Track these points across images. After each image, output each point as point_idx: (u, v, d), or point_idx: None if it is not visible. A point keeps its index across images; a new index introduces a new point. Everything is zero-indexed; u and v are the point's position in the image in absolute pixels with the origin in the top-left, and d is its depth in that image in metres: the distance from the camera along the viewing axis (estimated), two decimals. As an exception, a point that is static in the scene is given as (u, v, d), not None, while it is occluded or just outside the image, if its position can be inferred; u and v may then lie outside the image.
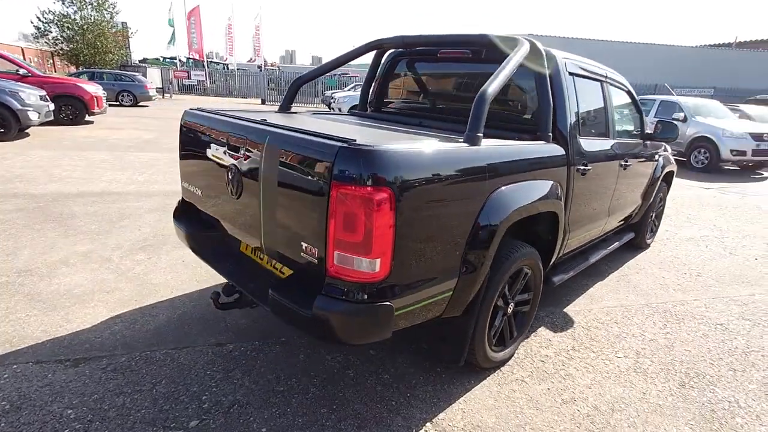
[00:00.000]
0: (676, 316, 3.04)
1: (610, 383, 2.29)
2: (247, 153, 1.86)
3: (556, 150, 2.37)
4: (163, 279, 3.14)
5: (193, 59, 31.37)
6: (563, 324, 2.86)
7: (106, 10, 26.32)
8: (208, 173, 2.20)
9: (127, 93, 17.32)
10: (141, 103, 17.64)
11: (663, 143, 3.96)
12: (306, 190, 1.61)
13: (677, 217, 5.59)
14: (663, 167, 4.03)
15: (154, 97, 18.43)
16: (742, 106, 11.26)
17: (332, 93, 20.53)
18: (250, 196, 1.88)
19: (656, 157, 3.87)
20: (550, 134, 2.37)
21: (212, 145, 2.11)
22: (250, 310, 2.77)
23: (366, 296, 1.56)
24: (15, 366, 2.15)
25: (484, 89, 1.92)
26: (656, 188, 4.00)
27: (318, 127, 1.88)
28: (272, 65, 45.80)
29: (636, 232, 4.02)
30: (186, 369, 2.21)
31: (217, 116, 2.16)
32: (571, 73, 2.56)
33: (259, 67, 32.53)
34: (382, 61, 3.18)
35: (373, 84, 3.27)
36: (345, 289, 1.57)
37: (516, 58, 2.15)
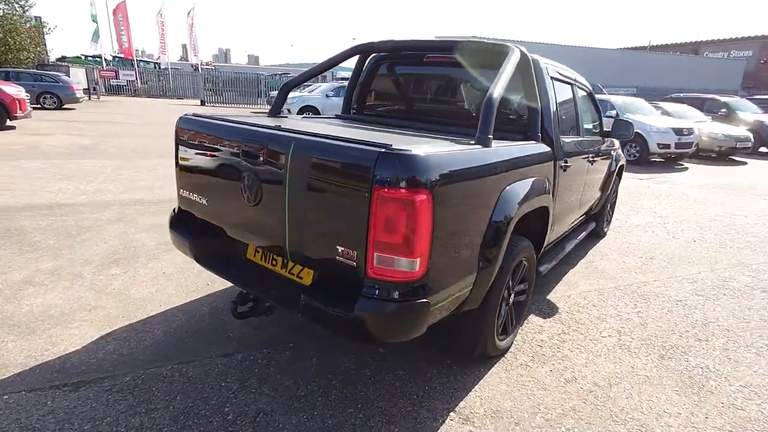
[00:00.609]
0: (642, 296, 3.37)
1: (602, 361, 2.51)
2: (268, 159, 1.84)
3: (545, 149, 2.55)
4: (147, 293, 2.98)
5: (120, 58, 29.32)
6: (549, 310, 3.08)
7: (17, 3, 23.85)
8: (214, 181, 2.14)
9: (50, 95, 15.88)
10: (66, 106, 16.24)
11: (615, 140, 4.35)
12: (342, 194, 1.63)
13: (623, 207, 6.12)
14: (617, 161, 4.42)
15: (81, 99, 17.03)
16: (662, 104, 12.47)
17: (279, 93, 20.13)
18: (272, 203, 1.86)
19: (612, 152, 4.24)
20: (540, 134, 2.55)
21: (220, 152, 2.06)
22: (250, 319, 2.72)
23: (406, 295, 1.62)
24: (6, 396, 1.97)
25: (491, 94, 2.04)
26: (612, 181, 4.38)
27: (335, 132, 1.90)
28: (208, 64, 43.87)
29: (596, 222, 4.38)
30: (198, 383, 2.14)
31: (224, 123, 2.10)
32: (551, 77, 2.76)
33: (194, 66, 31.07)
34: (366, 65, 3.22)
35: (357, 87, 3.31)
36: (385, 289, 1.62)
37: (512, 63, 2.30)
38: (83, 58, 32.81)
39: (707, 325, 2.99)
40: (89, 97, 21.34)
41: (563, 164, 2.77)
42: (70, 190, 5.39)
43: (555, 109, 2.70)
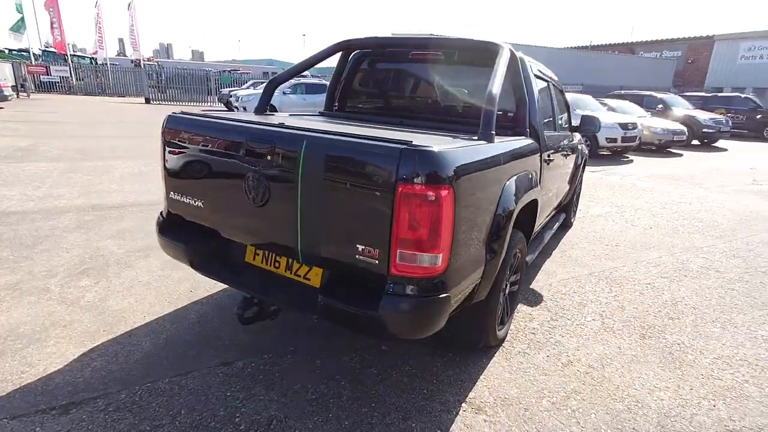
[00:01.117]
0: (615, 281, 3.59)
1: (591, 343, 2.65)
2: (276, 158, 1.78)
3: (533, 143, 2.64)
4: (127, 304, 2.80)
5: (51, 52, 27.14)
6: (535, 299, 3.20)
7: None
8: (213, 182, 2.05)
9: (-27, 92, 14.44)
10: (-7, 105, 14.83)
11: (579, 134, 4.58)
12: (362, 192, 1.61)
13: (582, 198, 6.46)
14: (582, 155, 4.66)
15: (9, 97, 15.61)
16: (607, 100, 13.25)
17: (232, 91, 19.40)
18: (281, 203, 1.81)
19: (579, 146, 4.47)
20: (528, 129, 2.64)
21: (219, 152, 1.97)
22: (240, 326, 2.62)
23: (429, 290, 1.64)
24: (-14, 426, 1.79)
25: (490, 91, 2.09)
26: (578, 174, 4.61)
27: (341, 130, 1.87)
28: (150, 60, 41.46)
29: (566, 213, 4.60)
30: (201, 394, 2.04)
31: (222, 121, 2.01)
32: (534, 75, 2.86)
33: (135, 61, 29.28)
34: (350, 62, 3.19)
35: (340, 84, 3.27)
36: (409, 285, 1.62)
37: (503, 61, 2.36)
38: (7, 51, 30.03)
39: (676, 304, 3.22)
40: (17, 94, 19.61)
41: (547, 158, 2.89)
42: (15, 196, 4.94)
43: (539, 105, 2.81)
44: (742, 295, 3.43)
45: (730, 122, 14.51)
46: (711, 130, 13.62)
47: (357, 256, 1.67)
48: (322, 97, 16.18)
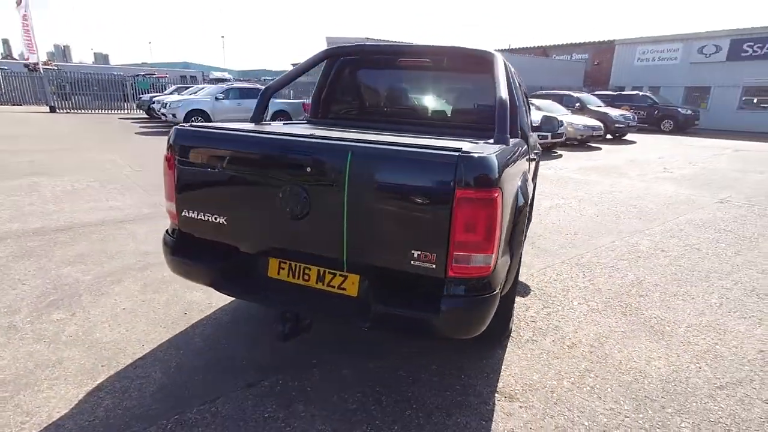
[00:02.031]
0: (585, 267, 3.93)
1: (585, 325, 2.90)
2: (318, 170, 1.76)
3: (524, 144, 2.83)
4: (117, 334, 2.57)
5: None
6: (523, 289, 3.42)
7: None
8: (239, 197, 1.96)
9: None
10: None
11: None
12: (418, 199, 1.65)
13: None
14: (539, 153, 5.03)
15: None
16: (533, 100, 14.26)
17: (154, 97, 18.06)
18: (324, 214, 1.79)
19: (538, 145, 4.81)
20: (519, 131, 2.82)
21: (248, 166, 1.90)
22: (252, 344, 2.53)
23: (482, 289, 1.72)
24: (3, 488, 1.57)
25: (501, 97, 2.22)
26: (537, 171, 4.96)
27: (371, 138, 1.89)
28: (47, 63, 37.31)
29: (531, 207, 4.93)
30: (239, 419, 1.95)
31: (250, 134, 1.94)
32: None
33: (30, 66, 26.22)
34: (337, 69, 3.18)
35: (324, 91, 3.25)
36: (464, 286, 1.69)
37: (501, 67, 2.51)
38: None
39: (641, 283, 3.61)
40: None
41: (531, 157, 3.10)
42: (-68, 225, 4.27)
43: (525, 108, 3.01)
44: (688, 270, 3.92)
45: (636, 117, 16.29)
46: (621, 125, 15.20)
47: (412, 262, 1.70)
48: (254, 103, 15.87)
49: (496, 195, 1.63)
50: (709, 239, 4.83)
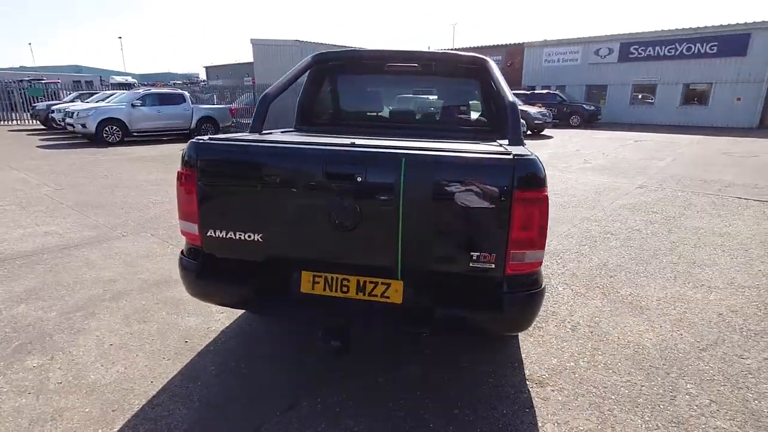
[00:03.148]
0: (556, 254, 4.24)
1: (578, 308, 3.15)
2: (370, 180, 1.74)
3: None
4: (116, 374, 2.31)
5: None
6: (510, 280, 3.61)
7: None
8: (278, 213, 1.87)
9: None
10: None
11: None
12: (477, 202, 1.70)
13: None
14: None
15: None
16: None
17: (53, 105, 16.08)
18: (377, 223, 1.77)
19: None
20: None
21: (288, 179, 1.82)
22: (272, 365, 2.42)
23: (534, 284, 1.83)
24: None
25: (510, 101, 2.35)
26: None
27: (411, 144, 1.91)
28: None
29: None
30: (292, 445, 1.86)
31: (287, 146, 1.85)
32: None
33: None
34: (323, 75, 3.12)
35: (312, 98, 3.17)
36: (521, 282, 1.78)
37: (497, 71, 2.65)
38: None
39: (606, 265, 3.99)
40: None
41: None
42: None
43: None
44: (638, 250, 4.41)
45: (550, 114, 17.78)
46: (540, 122, 16.52)
47: (470, 264, 1.75)
48: (178, 109, 14.75)
49: (546, 194, 1.73)
50: (644, 221, 5.45)
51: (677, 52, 21.88)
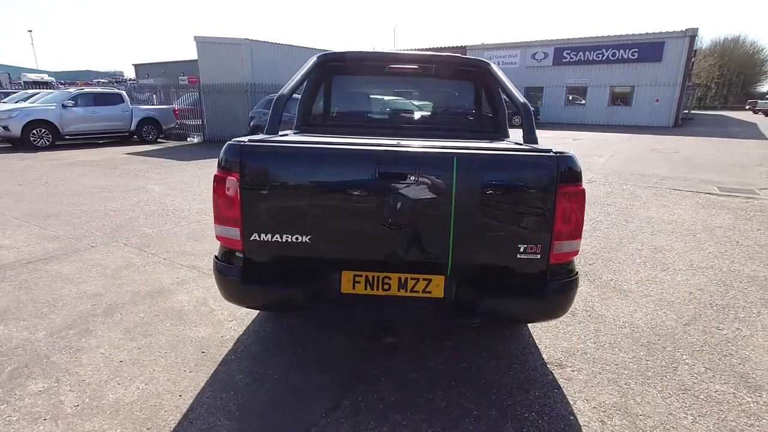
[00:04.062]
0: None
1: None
2: (423, 179, 1.79)
3: (513, 143, 3.18)
4: (139, 391, 2.18)
5: None
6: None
7: None
8: (328, 214, 1.87)
9: None
10: None
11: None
12: (525, 197, 1.81)
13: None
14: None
15: None
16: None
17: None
18: (430, 221, 1.83)
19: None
20: (508, 132, 3.16)
21: (341, 180, 1.83)
22: (301, 367, 2.40)
23: (572, 272, 1.98)
24: None
25: (524, 102, 2.49)
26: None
27: (454, 143, 1.99)
28: None
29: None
30: (349, 444, 1.87)
31: (338, 148, 1.85)
32: None
33: None
34: (326, 76, 3.11)
35: (315, 98, 3.15)
36: (562, 271, 1.92)
37: (501, 73, 2.79)
38: None
39: (583, 254, 4.30)
40: None
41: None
42: None
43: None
44: (605, 239, 4.79)
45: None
46: (487, 122, 17.20)
47: (518, 255, 1.86)
48: (116, 109, 13.85)
49: (583, 187, 1.88)
50: (602, 212, 5.92)
51: (604, 57, 23.77)
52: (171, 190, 6.92)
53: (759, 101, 39.40)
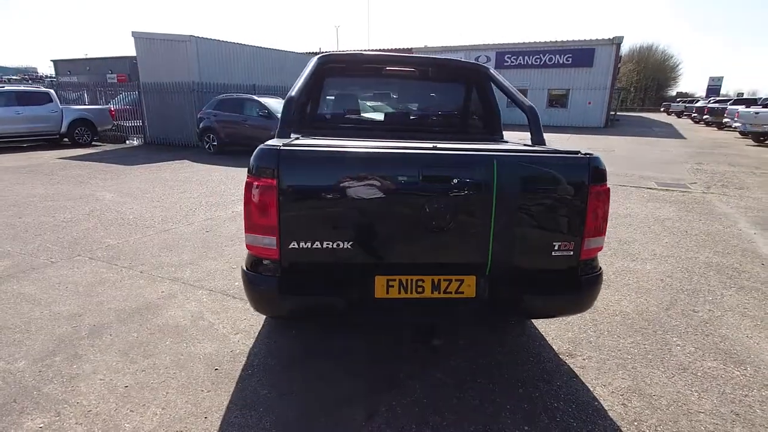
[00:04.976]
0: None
1: (559, 287, 3.56)
2: (466, 181, 1.81)
3: (507, 142, 3.29)
4: (158, 417, 2.02)
5: None
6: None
7: None
8: (370, 219, 1.84)
9: None
10: None
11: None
12: (560, 197, 1.89)
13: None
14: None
15: None
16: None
17: None
18: (471, 223, 1.86)
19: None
20: (503, 133, 3.27)
21: (380, 185, 1.80)
22: (322, 377, 2.34)
23: (597, 267, 2.09)
24: None
25: (529, 105, 2.60)
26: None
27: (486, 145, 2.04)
28: None
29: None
30: (397, 451, 1.85)
31: (381, 152, 1.83)
32: None
33: None
34: (327, 77, 3.05)
35: (313, 100, 3.07)
36: (590, 266, 2.02)
37: (501, 77, 2.89)
38: None
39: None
40: None
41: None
42: None
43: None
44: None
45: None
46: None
47: (553, 253, 1.94)
48: (43, 110, 12.81)
49: (608, 186, 2.00)
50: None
51: (542, 62, 25.19)
52: (125, 198, 6.43)
53: (672, 104, 43.63)
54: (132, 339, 2.65)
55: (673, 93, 67.69)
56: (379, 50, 29.60)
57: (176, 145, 13.61)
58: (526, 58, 25.58)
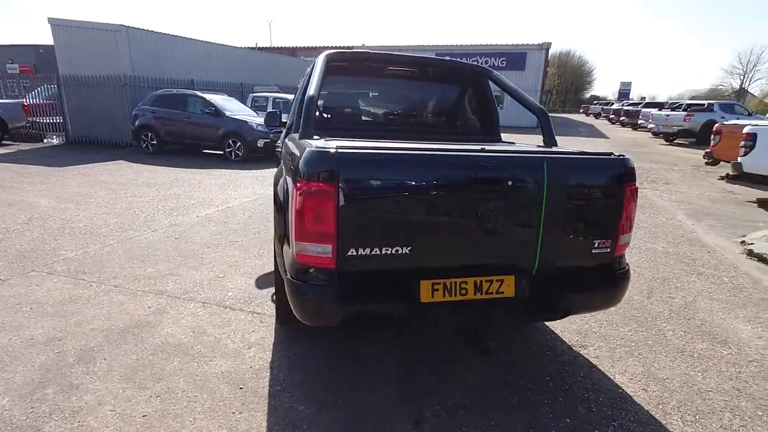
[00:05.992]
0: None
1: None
2: (520, 183, 1.84)
3: (504, 142, 3.38)
4: (191, 446, 1.83)
5: None
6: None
7: None
8: (429, 223, 1.81)
9: None
10: None
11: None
12: (600, 197, 1.98)
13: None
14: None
15: None
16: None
17: None
18: (521, 224, 1.89)
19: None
20: (500, 134, 3.36)
21: (439, 189, 1.77)
22: (355, 387, 2.27)
23: (625, 264, 2.20)
24: None
25: (540, 107, 2.69)
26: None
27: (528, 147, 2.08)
28: None
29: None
30: (458, 456, 1.84)
31: (438, 155, 1.79)
32: None
33: None
34: (332, 75, 2.93)
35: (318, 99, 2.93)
36: (620, 263, 2.14)
37: (503, 77, 2.96)
38: None
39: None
40: None
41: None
42: None
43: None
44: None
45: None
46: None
47: (593, 251, 2.02)
48: None
49: (637, 185, 2.12)
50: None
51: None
52: (65, 204, 5.77)
53: (590, 106, 47.47)
54: (132, 362, 2.38)
55: (588, 95, 73.68)
56: (318, 48, 29.14)
57: (106, 143, 12.45)
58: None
